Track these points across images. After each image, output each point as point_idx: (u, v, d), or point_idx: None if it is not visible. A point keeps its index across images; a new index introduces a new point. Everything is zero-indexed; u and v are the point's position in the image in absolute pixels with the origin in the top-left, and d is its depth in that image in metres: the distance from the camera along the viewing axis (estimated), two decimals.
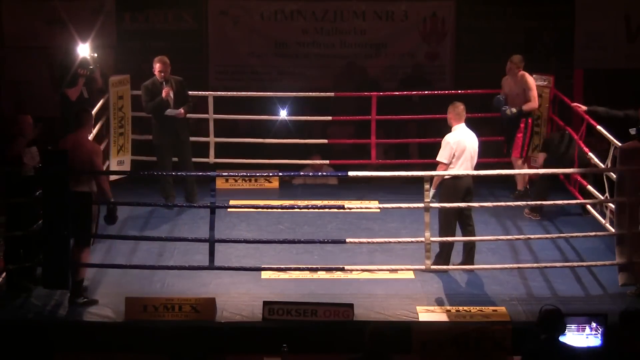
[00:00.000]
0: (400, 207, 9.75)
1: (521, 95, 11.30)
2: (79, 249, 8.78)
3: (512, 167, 11.42)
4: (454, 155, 9.32)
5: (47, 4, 13.85)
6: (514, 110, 11.23)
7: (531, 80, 11.32)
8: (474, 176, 9.32)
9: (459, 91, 12.25)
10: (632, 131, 9.58)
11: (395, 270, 9.36)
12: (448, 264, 9.44)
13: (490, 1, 14.40)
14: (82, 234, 8.76)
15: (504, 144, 11.70)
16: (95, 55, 11.56)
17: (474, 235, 9.48)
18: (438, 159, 9.39)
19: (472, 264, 9.43)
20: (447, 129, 9.58)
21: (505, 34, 14.33)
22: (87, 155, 8.79)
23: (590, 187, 10.56)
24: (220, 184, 11.77)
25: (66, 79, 11.39)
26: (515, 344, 8.16)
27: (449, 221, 9.38)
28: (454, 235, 9.41)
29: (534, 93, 11.29)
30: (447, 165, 9.33)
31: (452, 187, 9.33)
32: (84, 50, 11.46)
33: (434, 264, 9.24)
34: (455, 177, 9.28)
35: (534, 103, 11.30)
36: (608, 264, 9.16)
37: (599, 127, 10.45)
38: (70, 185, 8.49)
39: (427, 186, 8.93)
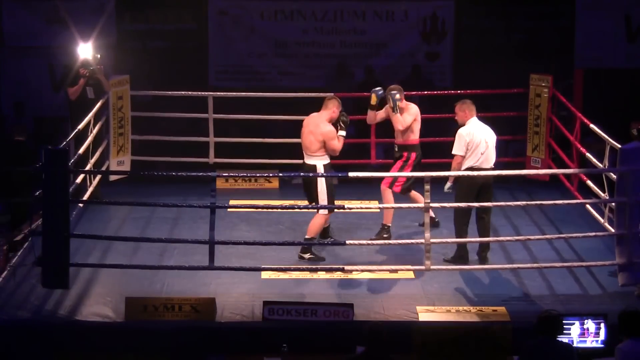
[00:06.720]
0: (400, 207, 9.76)
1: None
2: (316, 213, 9.73)
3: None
4: (467, 147, 9.37)
5: (47, 3, 13.85)
6: (397, 96, 10.11)
7: (413, 110, 10.20)
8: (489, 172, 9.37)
9: (459, 91, 12.24)
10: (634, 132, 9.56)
11: (395, 270, 9.36)
12: (467, 262, 9.48)
13: (490, 1, 14.42)
14: (316, 201, 9.74)
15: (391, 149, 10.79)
16: (99, 56, 11.54)
17: (488, 227, 9.58)
18: (453, 152, 9.45)
19: (487, 258, 9.53)
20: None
21: (505, 34, 14.35)
22: (320, 135, 9.66)
23: (589, 182, 10.49)
24: (220, 184, 11.76)
25: (68, 78, 11.40)
26: (515, 344, 8.15)
27: (461, 217, 9.49)
28: (466, 232, 9.50)
29: (407, 120, 10.11)
30: (462, 157, 9.37)
31: (468, 182, 9.33)
32: (86, 49, 11.43)
33: (453, 262, 9.44)
34: (472, 171, 9.30)
35: (399, 123, 10.11)
36: (608, 264, 9.15)
37: (594, 127, 10.44)
38: (304, 157, 9.78)
39: (427, 187, 8.90)
